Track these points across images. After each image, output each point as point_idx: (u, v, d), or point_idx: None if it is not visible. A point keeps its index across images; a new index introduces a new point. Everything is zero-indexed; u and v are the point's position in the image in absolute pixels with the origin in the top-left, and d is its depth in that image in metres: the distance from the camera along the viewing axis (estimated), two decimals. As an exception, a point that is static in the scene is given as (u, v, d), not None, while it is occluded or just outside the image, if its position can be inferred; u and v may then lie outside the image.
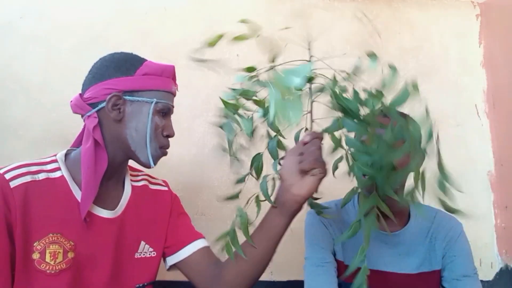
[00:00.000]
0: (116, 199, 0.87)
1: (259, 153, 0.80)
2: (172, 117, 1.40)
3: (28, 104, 1.36)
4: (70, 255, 0.76)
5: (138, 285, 0.86)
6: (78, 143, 0.86)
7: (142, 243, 0.88)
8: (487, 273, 1.45)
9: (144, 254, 0.88)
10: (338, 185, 1.41)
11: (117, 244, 0.83)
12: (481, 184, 1.50)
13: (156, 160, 0.86)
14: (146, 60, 0.85)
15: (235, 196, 0.84)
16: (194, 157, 1.41)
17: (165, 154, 0.88)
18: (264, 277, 1.39)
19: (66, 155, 0.85)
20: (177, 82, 0.92)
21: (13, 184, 0.72)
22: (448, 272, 0.95)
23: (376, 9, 1.55)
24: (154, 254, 0.90)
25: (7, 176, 0.73)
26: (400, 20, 1.55)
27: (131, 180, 0.93)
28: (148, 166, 0.85)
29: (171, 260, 0.92)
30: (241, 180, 0.84)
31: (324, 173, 0.70)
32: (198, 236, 0.95)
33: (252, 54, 1.48)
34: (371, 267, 0.97)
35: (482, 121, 1.54)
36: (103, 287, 0.80)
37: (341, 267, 0.98)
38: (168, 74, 0.87)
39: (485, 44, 1.57)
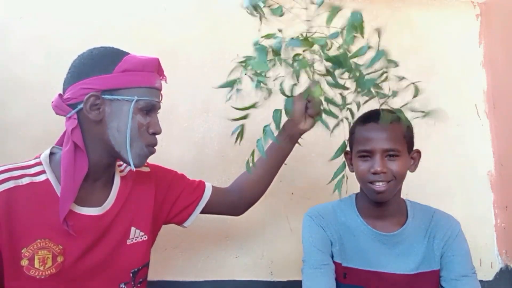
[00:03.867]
0: (104, 195, 0.85)
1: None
2: (172, 117, 1.41)
3: (28, 104, 1.36)
4: (60, 259, 0.75)
5: (133, 270, 0.86)
6: (61, 141, 0.82)
7: (133, 229, 0.87)
8: (487, 273, 1.45)
9: (136, 239, 0.87)
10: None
11: (108, 238, 0.82)
12: (481, 184, 1.50)
13: (143, 159, 0.83)
14: (126, 54, 0.80)
15: (243, 117, 0.91)
16: (194, 157, 1.41)
17: (152, 152, 0.85)
18: (264, 277, 1.40)
19: (51, 155, 0.81)
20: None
21: None
22: (446, 272, 0.95)
23: (376, 9, 1.54)
24: (145, 237, 0.89)
25: None
26: (400, 20, 1.55)
27: (119, 172, 0.91)
28: (136, 166, 0.82)
29: (192, 219, 1.00)
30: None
31: (320, 115, 0.94)
32: (202, 186, 1.02)
33: (253, 54, 1.48)
34: (369, 268, 0.97)
35: (482, 121, 1.54)
36: (98, 280, 0.80)
37: (339, 269, 0.98)
38: (150, 68, 0.81)
39: (485, 44, 1.57)
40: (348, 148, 0.97)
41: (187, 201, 0.99)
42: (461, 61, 1.56)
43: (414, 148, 0.98)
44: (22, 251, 0.72)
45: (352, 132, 0.99)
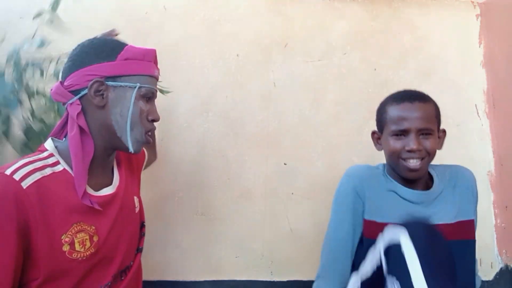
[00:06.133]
0: (112, 175, 0.90)
1: None
2: (172, 117, 1.41)
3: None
4: (95, 238, 0.79)
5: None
6: (57, 132, 0.85)
7: (135, 198, 0.95)
8: (487, 273, 1.45)
9: (138, 207, 0.95)
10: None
11: (124, 211, 0.88)
12: (481, 184, 1.50)
13: (140, 146, 0.87)
14: (126, 44, 0.84)
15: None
16: (194, 157, 1.41)
17: (149, 141, 0.89)
18: (264, 277, 1.40)
19: (55, 146, 0.83)
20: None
21: (25, 184, 0.71)
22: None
23: (376, 9, 1.54)
24: (138, 207, 0.96)
25: (16, 177, 0.70)
26: (400, 20, 1.55)
27: None
28: (134, 152, 0.86)
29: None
30: None
31: None
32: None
33: (253, 54, 1.48)
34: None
35: (482, 121, 1.54)
36: (122, 250, 0.87)
37: (372, 226, 0.96)
38: (149, 58, 0.86)
39: (485, 44, 1.57)
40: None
41: (141, 164, 1.10)
42: (461, 61, 1.56)
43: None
44: (62, 237, 0.74)
45: (382, 111, 1.00)
